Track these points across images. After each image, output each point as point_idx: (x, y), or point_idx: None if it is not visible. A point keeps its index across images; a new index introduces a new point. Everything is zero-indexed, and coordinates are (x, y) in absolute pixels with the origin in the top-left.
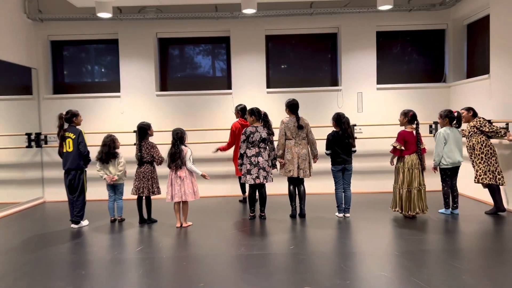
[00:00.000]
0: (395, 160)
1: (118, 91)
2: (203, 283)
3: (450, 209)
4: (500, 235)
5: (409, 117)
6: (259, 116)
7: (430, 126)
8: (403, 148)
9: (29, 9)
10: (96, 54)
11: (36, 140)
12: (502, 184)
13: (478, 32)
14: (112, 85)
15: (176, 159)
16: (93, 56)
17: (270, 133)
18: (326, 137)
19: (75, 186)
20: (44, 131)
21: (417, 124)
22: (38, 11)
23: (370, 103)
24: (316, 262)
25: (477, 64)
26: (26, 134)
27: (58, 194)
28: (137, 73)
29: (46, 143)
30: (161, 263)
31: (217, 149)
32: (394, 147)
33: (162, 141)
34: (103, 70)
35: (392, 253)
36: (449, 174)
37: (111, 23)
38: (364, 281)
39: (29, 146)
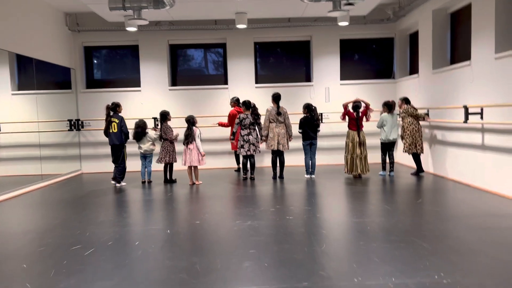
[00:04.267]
0: (350, 105)
1: (139, 86)
2: (218, 208)
3: (387, 171)
4: (419, 185)
5: (353, 107)
6: (249, 106)
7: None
8: (346, 110)
9: (70, 23)
10: (120, 57)
11: (75, 125)
12: (421, 153)
13: (417, 41)
14: (134, 81)
15: (188, 136)
16: (118, 58)
17: (257, 118)
18: (299, 120)
19: (118, 156)
20: (81, 118)
21: (357, 112)
22: (76, 24)
23: (335, 95)
24: (287, 197)
25: (417, 65)
26: (68, 120)
27: (93, 166)
28: (153, 72)
29: (82, 127)
30: (187, 200)
31: (218, 123)
32: (344, 106)
33: (174, 125)
34: (126, 69)
35: (338, 194)
36: (386, 147)
37: (133, 33)
38: (318, 206)
39: (70, 129)
